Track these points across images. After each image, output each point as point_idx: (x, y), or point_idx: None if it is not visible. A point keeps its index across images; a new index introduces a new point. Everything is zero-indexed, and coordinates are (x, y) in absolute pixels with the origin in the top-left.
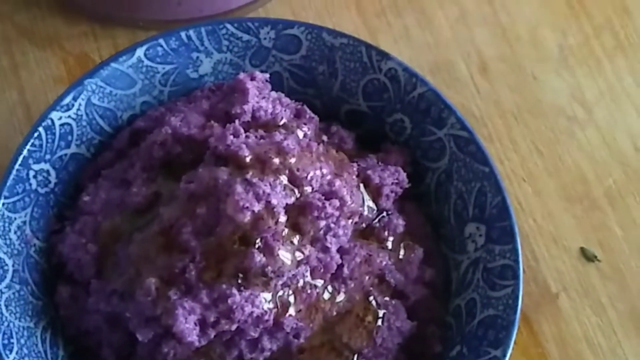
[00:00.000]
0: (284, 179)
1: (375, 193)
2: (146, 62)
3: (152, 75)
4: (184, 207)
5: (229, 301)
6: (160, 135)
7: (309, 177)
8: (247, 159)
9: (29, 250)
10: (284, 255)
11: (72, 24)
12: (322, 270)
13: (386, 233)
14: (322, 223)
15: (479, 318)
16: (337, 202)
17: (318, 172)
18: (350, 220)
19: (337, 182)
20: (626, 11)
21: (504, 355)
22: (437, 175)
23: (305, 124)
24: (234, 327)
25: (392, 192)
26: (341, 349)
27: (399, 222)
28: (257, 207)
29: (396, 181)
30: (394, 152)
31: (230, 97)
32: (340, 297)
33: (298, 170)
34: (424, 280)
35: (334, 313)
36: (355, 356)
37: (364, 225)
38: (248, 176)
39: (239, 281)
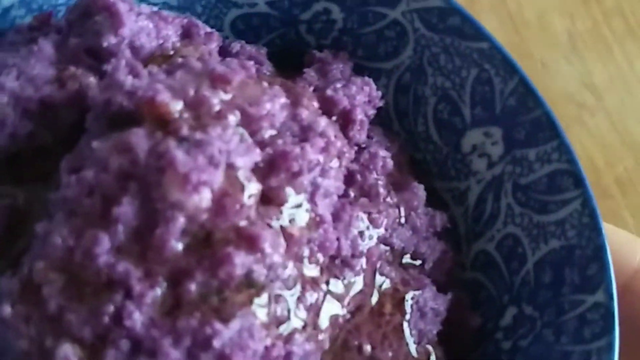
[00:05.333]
0: (233, 123)
1: (345, 120)
2: None
3: None
4: (85, 213)
5: (216, 344)
6: None
7: (267, 114)
8: (173, 106)
9: None
10: (273, 246)
11: None
12: (318, 252)
13: (373, 175)
14: (305, 179)
15: (535, 259)
16: (319, 141)
17: (277, 103)
18: (338, 165)
19: (305, 113)
20: None
21: (611, 297)
22: (396, 77)
23: (205, 44)
24: None
25: (365, 115)
26: None
27: (386, 155)
28: (218, 176)
29: (367, 99)
30: (330, 61)
31: (90, 26)
32: (348, 289)
33: (251, 105)
34: (436, 228)
35: (347, 315)
36: None
37: (343, 169)
38: (184, 132)
39: (219, 305)
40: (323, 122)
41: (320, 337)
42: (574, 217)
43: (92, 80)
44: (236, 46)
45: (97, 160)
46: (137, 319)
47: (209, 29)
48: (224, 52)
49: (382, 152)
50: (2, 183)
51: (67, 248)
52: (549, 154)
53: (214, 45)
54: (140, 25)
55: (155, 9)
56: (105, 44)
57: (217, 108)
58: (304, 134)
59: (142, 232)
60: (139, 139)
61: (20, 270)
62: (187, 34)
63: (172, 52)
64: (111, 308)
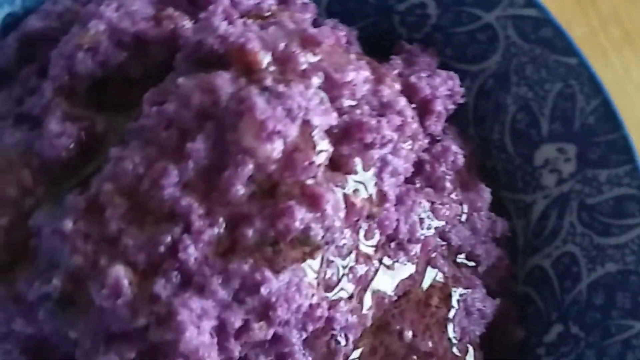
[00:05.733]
0: (316, 84)
1: (424, 109)
2: None
3: None
4: (160, 144)
5: (263, 291)
6: (87, 37)
7: (350, 82)
8: (262, 56)
9: None
10: (334, 208)
11: None
12: (376, 229)
13: (442, 168)
14: (376, 154)
15: (590, 280)
16: (396, 119)
17: (361, 75)
18: (410, 147)
19: (386, 90)
20: (633, 1)
21: None
22: (480, 82)
23: (300, 13)
24: (270, 334)
25: (444, 108)
26: (404, 354)
27: (458, 152)
28: (293, 130)
29: (449, 92)
30: (418, 54)
31: None
32: (399, 272)
33: (336, 71)
34: (496, 234)
35: (393, 297)
36: None
37: (414, 154)
38: (268, 82)
39: (272, 256)
40: (402, 102)
41: (364, 312)
42: (635, 243)
43: (187, 23)
44: (329, 23)
45: (180, 96)
46: (191, 253)
47: (306, 0)
48: (316, 25)
49: (455, 148)
50: (84, 107)
51: (137, 175)
52: (621, 177)
53: (308, 16)
54: None
55: None
56: None
57: (303, 67)
58: (382, 109)
59: (210, 172)
60: (224, 81)
61: (87, 189)
62: (284, 0)
63: (267, 14)
64: (168, 239)
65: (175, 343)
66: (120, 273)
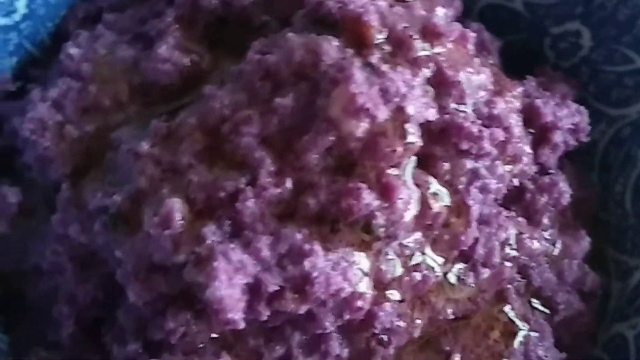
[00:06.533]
0: (424, 76)
1: (541, 136)
2: None
3: None
4: (251, 92)
5: (307, 264)
6: None
7: (462, 83)
8: (376, 32)
9: None
10: (405, 204)
11: None
12: (450, 243)
13: (543, 202)
14: (469, 164)
15: None
16: (500, 133)
17: (476, 79)
18: (510, 169)
19: (501, 104)
20: None
21: None
22: (616, 127)
23: (444, 7)
24: (303, 309)
25: (563, 142)
26: None
27: (565, 190)
28: (383, 112)
29: (573, 127)
30: (557, 81)
31: None
32: (463, 292)
33: (450, 68)
34: (583, 287)
35: (450, 316)
36: None
37: (515, 182)
38: (374, 59)
39: (328, 233)
40: (513, 119)
41: (414, 322)
42: None
43: None
44: (474, 26)
45: (284, 50)
46: (249, 206)
47: None
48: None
49: (563, 186)
50: (197, 41)
51: (221, 116)
52: None
53: (451, 13)
54: None
55: None
56: None
57: (416, 54)
58: (489, 121)
59: (291, 132)
60: (330, 47)
61: (173, 119)
62: None
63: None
64: (232, 186)
65: (205, 288)
66: (176, 206)
